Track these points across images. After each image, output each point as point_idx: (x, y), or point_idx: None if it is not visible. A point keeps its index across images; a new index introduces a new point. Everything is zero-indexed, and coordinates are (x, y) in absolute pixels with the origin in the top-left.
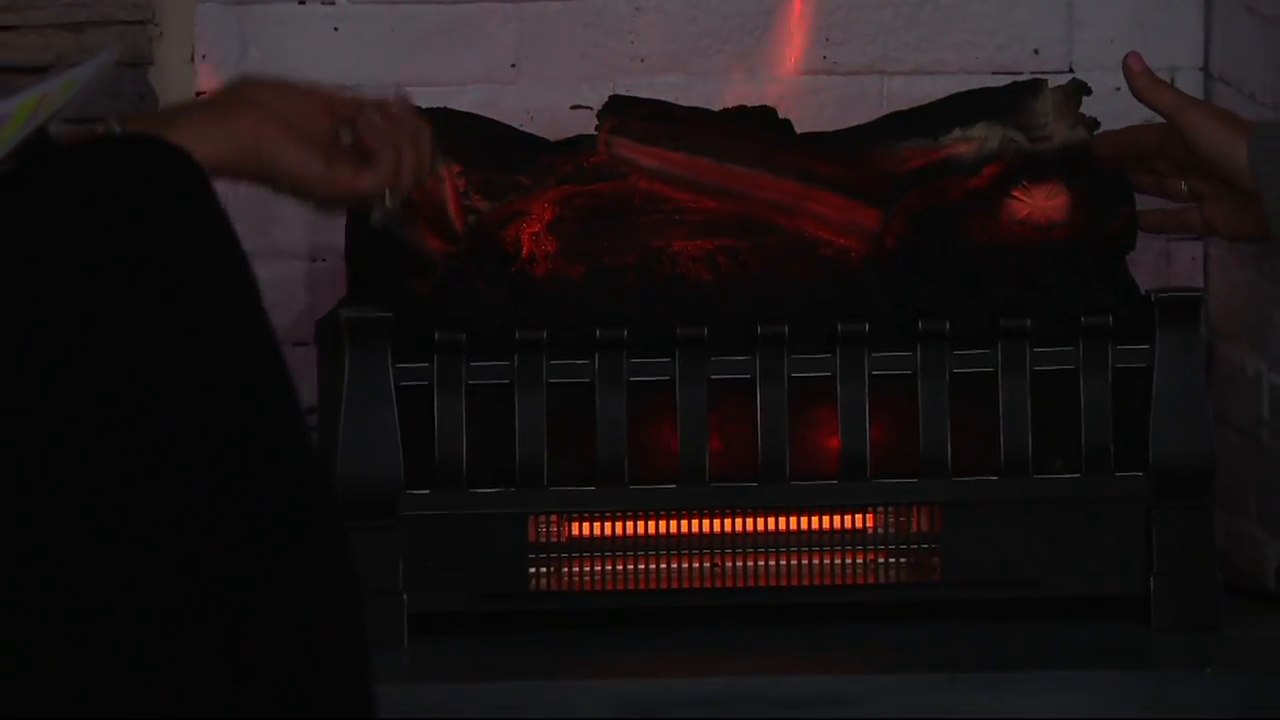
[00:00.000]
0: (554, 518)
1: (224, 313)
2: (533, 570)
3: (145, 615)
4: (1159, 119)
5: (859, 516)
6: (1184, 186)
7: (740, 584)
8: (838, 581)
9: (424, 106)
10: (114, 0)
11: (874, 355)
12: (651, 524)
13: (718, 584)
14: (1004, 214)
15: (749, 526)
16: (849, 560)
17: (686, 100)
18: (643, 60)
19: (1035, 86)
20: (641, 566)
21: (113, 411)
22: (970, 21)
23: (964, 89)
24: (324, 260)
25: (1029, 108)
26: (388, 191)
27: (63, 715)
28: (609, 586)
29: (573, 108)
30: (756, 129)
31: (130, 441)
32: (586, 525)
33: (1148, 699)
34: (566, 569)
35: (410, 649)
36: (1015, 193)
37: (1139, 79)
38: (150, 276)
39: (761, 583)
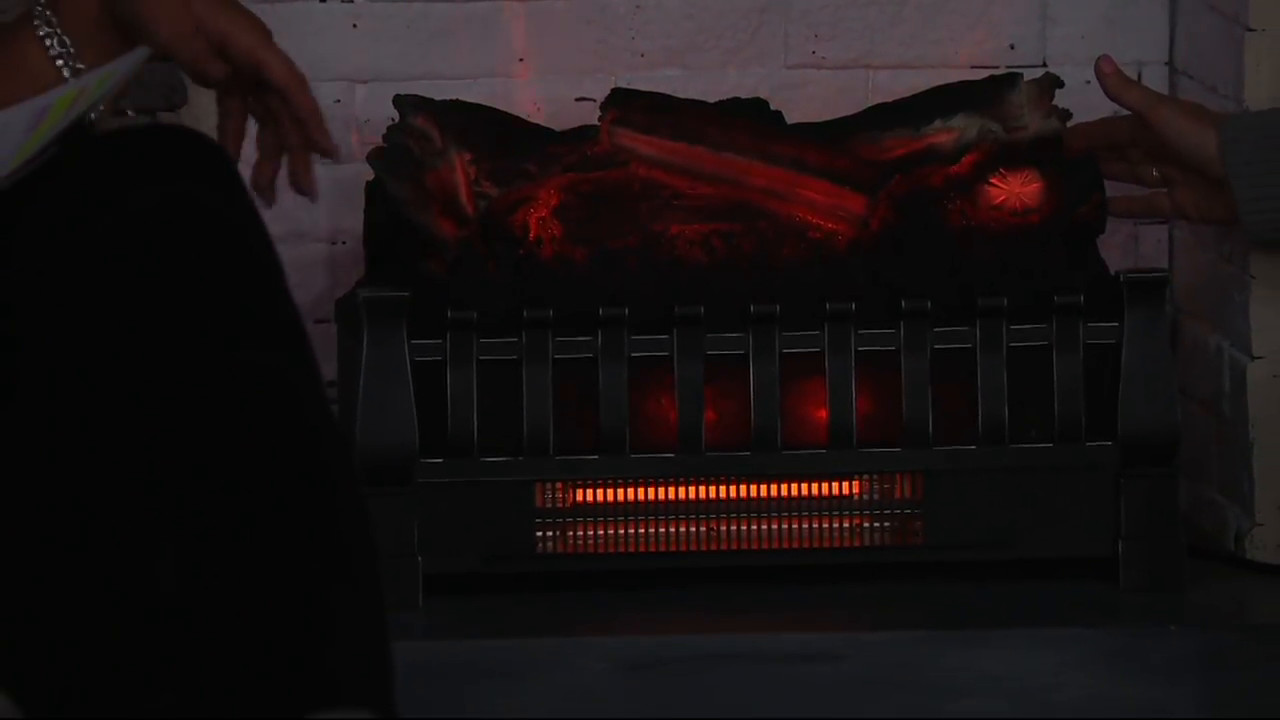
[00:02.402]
0: (559, 484)
1: (249, 291)
2: (539, 534)
3: (184, 570)
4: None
5: (846, 483)
6: (1155, 173)
7: (735, 547)
8: (826, 544)
9: (438, 99)
10: None
11: (860, 332)
12: (651, 490)
13: (714, 547)
14: (982, 200)
15: (743, 493)
16: (837, 524)
17: (684, 93)
18: (643, 55)
19: (1011, 80)
20: (642, 530)
21: (144, 382)
22: (950, 19)
23: (944, 82)
24: (344, 243)
25: (1005, 100)
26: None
27: (113, 655)
28: (611, 549)
29: (577, 100)
30: (750, 120)
31: (157, 413)
32: (590, 492)
33: (1116, 654)
34: (571, 532)
35: (425, 608)
36: (992, 180)
37: (1110, 80)
38: (179, 257)
39: (754, 545)
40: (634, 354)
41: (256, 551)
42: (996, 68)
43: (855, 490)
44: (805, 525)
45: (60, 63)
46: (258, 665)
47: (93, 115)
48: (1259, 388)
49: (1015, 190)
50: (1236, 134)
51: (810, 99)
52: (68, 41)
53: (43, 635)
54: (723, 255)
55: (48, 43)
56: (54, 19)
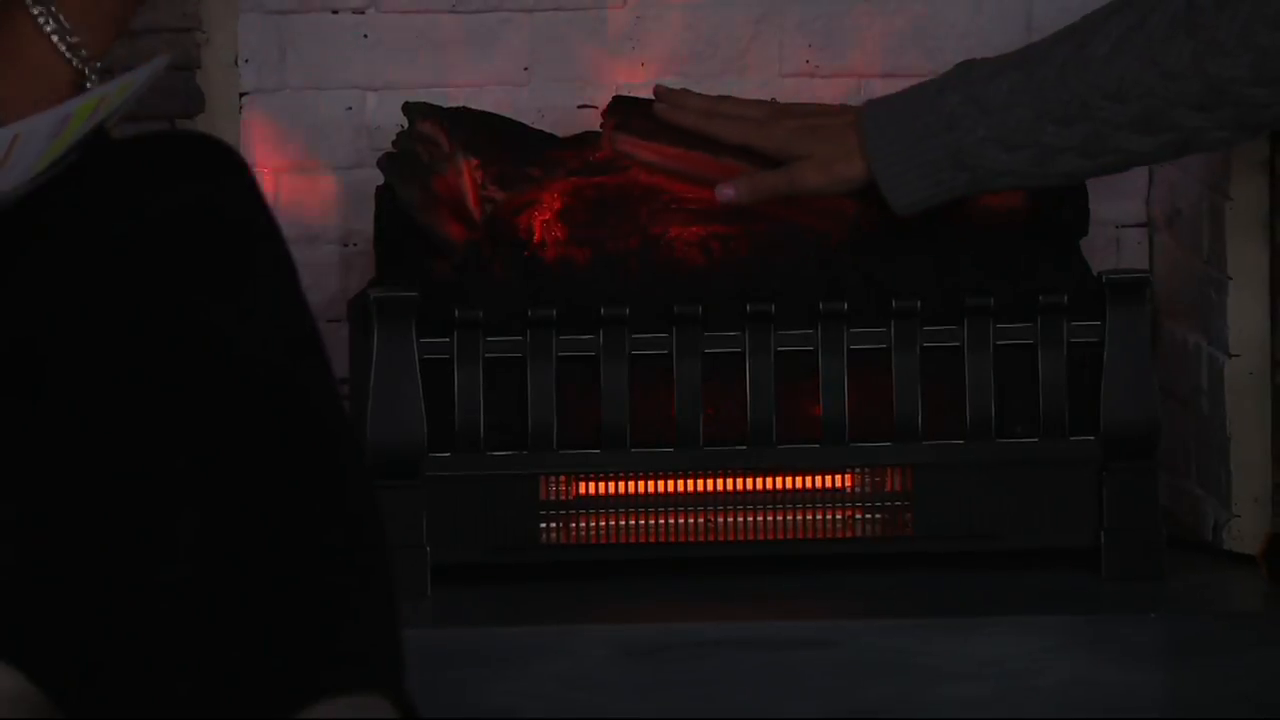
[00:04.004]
0: (562, 478)
1: (263, 290)
2: (543, 525)
3: (200, 556)
4: None
5: (838, 477)
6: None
7: (731, 538)
8: (819, 536)
9: (446, 107)
10: (165, 10)
11: (852, 331)
12: (651, 484)
13: (711, 538)
14: (969, 203)
15: (739, 486)
16: (830, 516)
17: None
18: (643, 64)
19: None
20: (642, 522)
21: (162, 377)
22: (939, 29)
23: None
24: (355, 245)
25: None
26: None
27: (130, 636)
28: (613, 540)
29: (580, 107)
30: None
31: (174, 407)
32: (592, 485)
33: (1098, 640)
34: (574, 524)
35: (433, 596)
36: None
37: (739, 201)
38: (199, 259)
39: (751, 537)
40: (634, 352)
41: (270, 539)
42: None
43: (847, 483)
44: (799, 517)
45: (56, 38)
46: (271, 648)
47: (112, 122)
48: (1236, 385)
49: (1001, 194)
50: (875, 128)
51: None
52: (63, 19)
53: (60, 614)
54: (720, 257)
55: (41, 20)
56: None
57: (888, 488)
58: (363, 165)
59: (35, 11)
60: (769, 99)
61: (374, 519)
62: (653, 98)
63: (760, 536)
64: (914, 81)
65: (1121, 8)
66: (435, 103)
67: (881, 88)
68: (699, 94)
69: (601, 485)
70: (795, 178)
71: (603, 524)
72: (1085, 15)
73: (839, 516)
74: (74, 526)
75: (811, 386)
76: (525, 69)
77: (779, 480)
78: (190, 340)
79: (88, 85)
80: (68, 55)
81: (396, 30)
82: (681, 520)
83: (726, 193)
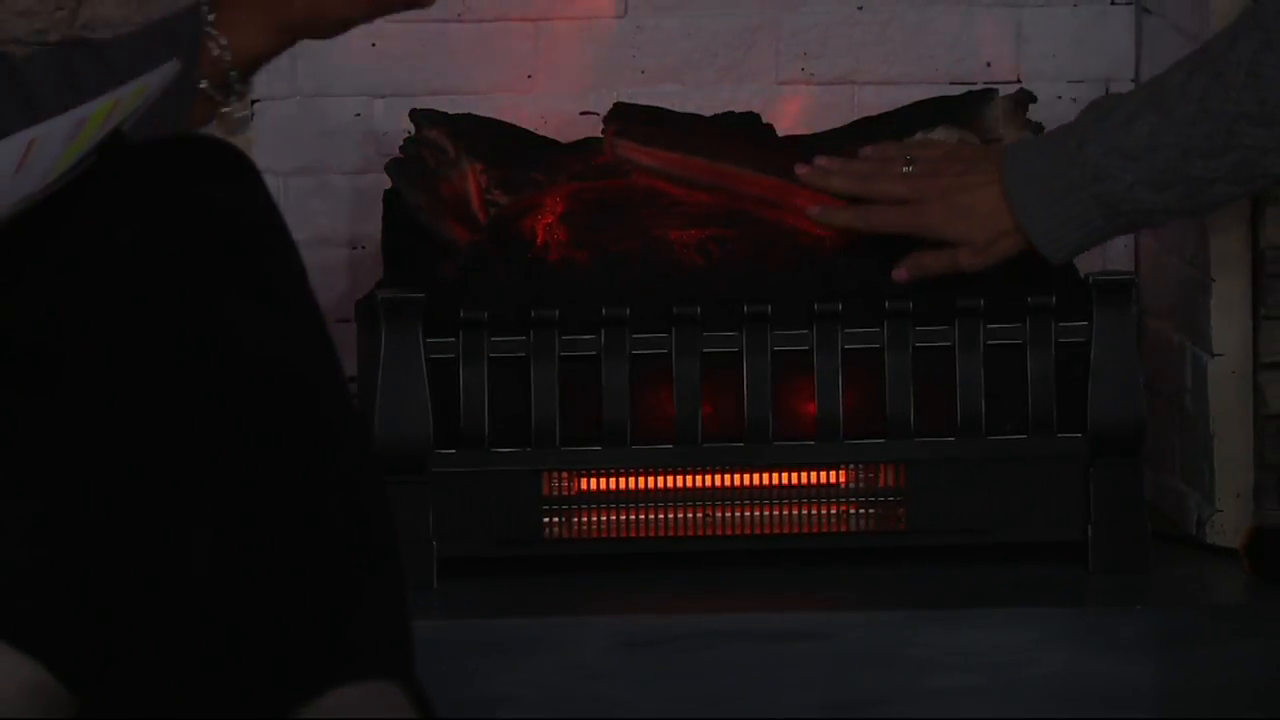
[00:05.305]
0: (565, 474)
1: (274, 289)
2: (546, 520)
3: (215, 549)
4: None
5: (833, 473)
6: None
7: (729, 532)
8: (814, 530)
9: (452, 113)
10: None
11: (846, 331)
12: (651, 479)
13: (709, 532)
14: None
15: (737, 481)
16: (824, 511)
17: (682, 107)
18: (643, 72)
19: (988, 95)
20: (642, 516)
21: (173, 374)
22: (931, 38)
23: (925, 97)
24: (363, 248)
25: (982, 114)
26: None
27: (147, 627)
28: (614, 534)
29: (582, 114)
30: (743, 132)
31: (186, 403)
32: (594, 480)
33: (1085, 631)
34: (576, 519)
35: (439, 589)
36: None
37: (910, 282)
38: (211, 260)
39: (748, 531)
40: (635, 352)
41: (283, 533)
42: (974, 84)
43: (842, 479)
44: (795, 512)
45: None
46: (286, 638)
47: (127, 125)
48: (1219, 383)
49: None
50: (1018, 183)
51: (800, 113)
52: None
53: (78, 607)
54: (718, 259)
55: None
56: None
57: (881, 483)
58: (370, 170)
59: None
60: (899, 142)
61: (384, 513)
62: (659, 107)
63: (757, 531)
64: (906, 90)
65: (1245, 32)
66: (441, 109)
67: (875, 95)
68: (838, 160)
69: (603, 481)
70: (959, 262)
71: (604, 518)
72: (1203, 45)
73: (833, 511)
74: (92, 522)
75: (807, 385)
76: (529, 77)
77: (775, 476)
78: (202, 340)
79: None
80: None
81: (403, 38)
82: (680, 515)
83: (900, 275)
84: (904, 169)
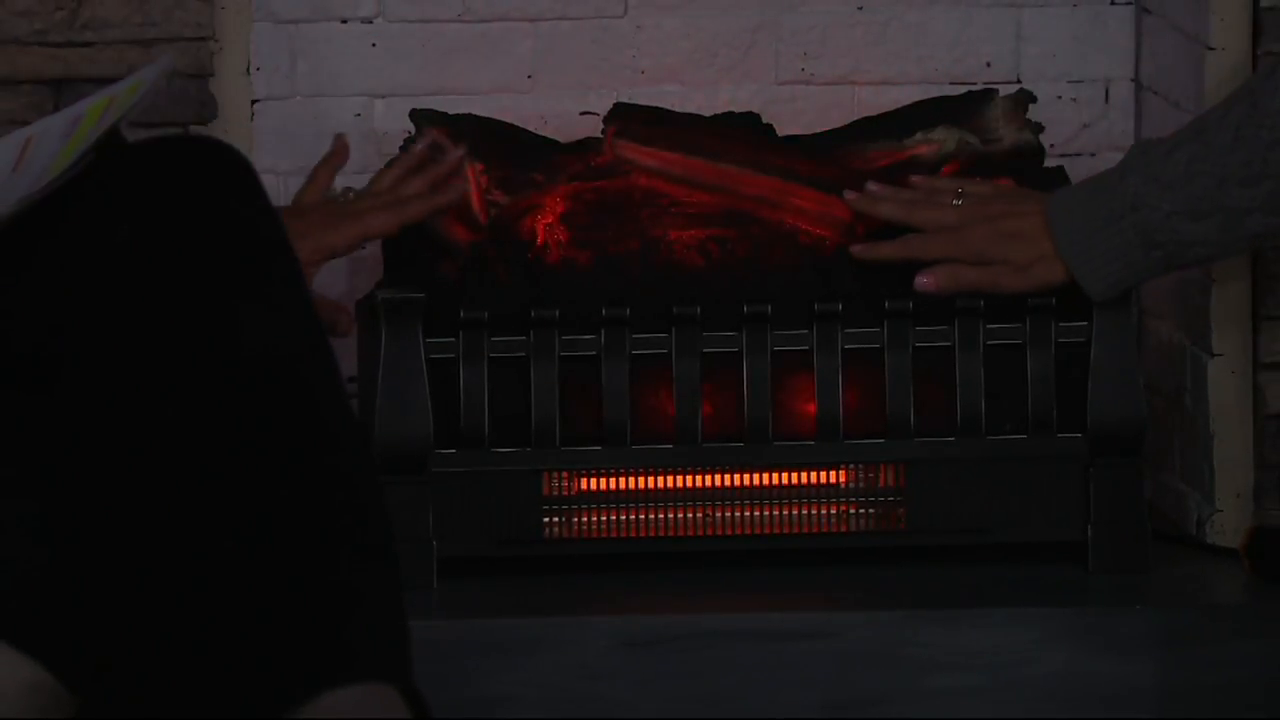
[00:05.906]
0: (565, 474)
1: (271, 291)
2: (546, 520)
3: (211, 549)
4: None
5: (833, 473)
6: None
7: (729, 532)
8: (815, 530)
9: (452, 113)
10: (180, 20)
11: (846, 331)
12: (651, 479)
13: (710, 532)
14: None
15: (737, 481)
16: (824, 511)
17: (682, 107)
18: (643, 72)
19: (987, 95)
20: (642, 516)
21: (169, 372)
22: (931, 38)
23: (925, 97)
24: (363, 248)
25: (982, 114)
26: None
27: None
28: (614, 534)
29: (582, 114)
30: (743, 132)
31: (182, 402)
32: (594, 480)
33: (1085, 631)
34: (576, 519)
35: (439, 589)
36: None
37: (939, 292)
38: (208, 260)
39: (748, 531)
40: (635, 352)
41: (280, 534)
42: (974, 84)
43: (842, 479)
44: (795, 512)
45: None
46: (282, 640)
47: (124, 123)
48: (1218, 383)
49: None
50: (1060, 212)
51: (800, 113)
52: None
53: (77, 607)
54: (718, 259)
55: None
56: None
57: (881, 483)
58: (371, 170)
59: None
60: (951, 177)
61: (381, 515)
62: (659, 107)
63: (757, 531)
64: (906, 90)
65: None
66: (441, 109)
67: (875, 95)
68: (889, 186)
69: (603, 481)
70: (996, 281)
71: (604, 518)
72: (1251, 76)
73: (833, 511)
74: (91, 522)
75: (807, 385)
76: (529, 77)
77: (775, 476)
78: (200, 340)
79: None
80: None
81: (404, 38)
82: (680, 515)
83: (925, 282)
84: (954, 201)
